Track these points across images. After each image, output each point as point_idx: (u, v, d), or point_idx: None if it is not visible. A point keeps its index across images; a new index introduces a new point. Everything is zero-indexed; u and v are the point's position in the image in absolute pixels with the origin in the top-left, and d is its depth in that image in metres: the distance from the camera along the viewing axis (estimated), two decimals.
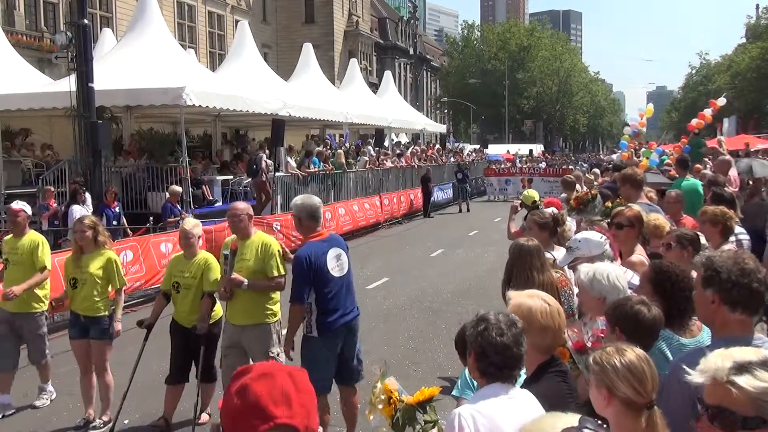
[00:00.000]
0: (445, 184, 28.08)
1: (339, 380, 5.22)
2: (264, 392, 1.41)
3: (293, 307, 5.03)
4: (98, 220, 6.39)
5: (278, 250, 5.54)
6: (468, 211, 25.93)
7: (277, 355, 5.45)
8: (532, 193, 9.24)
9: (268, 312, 5.51)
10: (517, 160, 36.46)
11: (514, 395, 2.43)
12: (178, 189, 13.59)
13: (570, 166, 32.18)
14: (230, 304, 5.51)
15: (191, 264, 5.78)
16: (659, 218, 5.36)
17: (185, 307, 5.80)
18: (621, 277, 3.36)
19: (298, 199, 5.30)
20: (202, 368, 5.79)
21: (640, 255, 4.62)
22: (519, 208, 7.97)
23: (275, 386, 1.42)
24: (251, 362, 5.41)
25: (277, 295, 5.61)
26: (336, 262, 5.07)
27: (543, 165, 34.45)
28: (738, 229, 5.52)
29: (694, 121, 15.59)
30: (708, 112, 15.52)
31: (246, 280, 5.30)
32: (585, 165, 31.26)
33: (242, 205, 5.62)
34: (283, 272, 5.50)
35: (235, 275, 5.30)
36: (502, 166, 33.46)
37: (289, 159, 17.55)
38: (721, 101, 16.41)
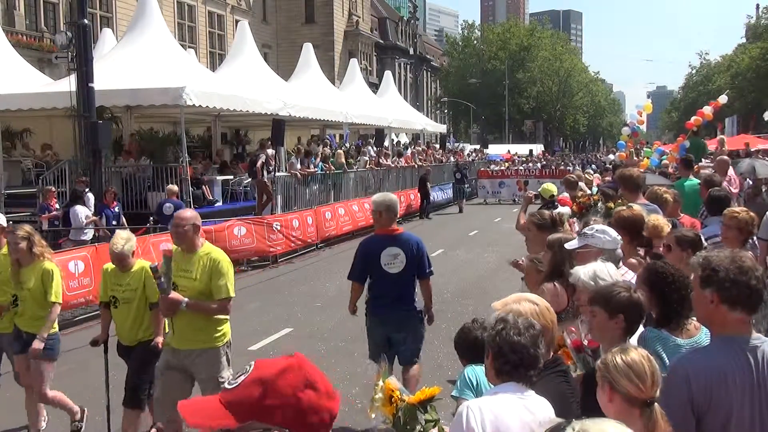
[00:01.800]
0: (445, 184, 28.06)
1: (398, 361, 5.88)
2: (321, 378, 1.49)
3: (352, 283, 5.83)
4: (33, 230, 5.76)
5: (229, 270, 4.84)
6: (460, 211, 25.80)
7: (226, 381, 4.97)
8: (551, 187, 9.21)
9: (217, 335, 4.86)
10: (516, 160, 36.31)
11: (526, 396, 2.44)
12: (176, 188, 13.56)
13: (568, 167, 31.80)
14: (172, 325, 4.90)
15: (129, 275, 5.23)
16: (658, 219, 5.34)
17: (127, 324, 5.24)
18: (619, 274, 3.39)
19: (376, 200, 5.77)
20: (127, 391, 5.22)
21: (636, 258, 4.62)
22: (533, 200, 7.99)
23: (317, 369, 1.51)
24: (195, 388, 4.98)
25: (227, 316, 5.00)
26: (391, 260, 5.54)
27: (539, 165, 33.87)
28: None
29: (693, 119, 15.61)
30: (708, 110, 15.52)
31: (185, 300, 4.64)
32: (593, 167, 29.25)
33: (188, 214, 4.96)
34: (232, 294, 4.81)
35: (173, 294, 4.63)
36: (498, 168, 32.63)
37: (293, 159, 17.58)
38: (723, 99, 16.36)
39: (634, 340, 3.04)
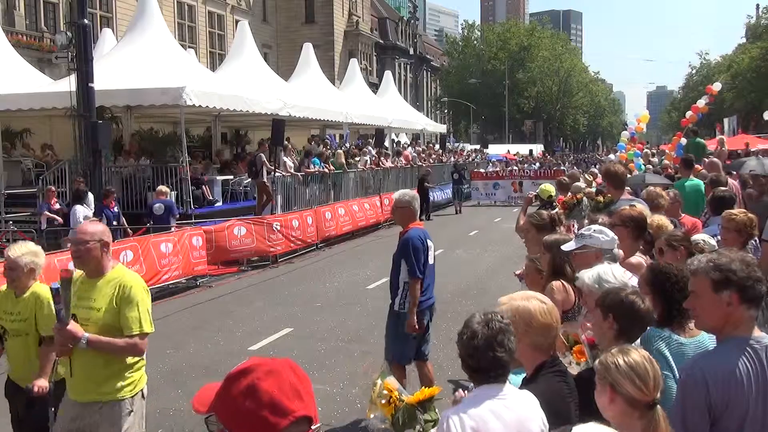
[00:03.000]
0: (445, 184, 28.00)
1: (415, 356, 5.90)
2: (276, 389, 1.42)
3: (414, 282, 5.59)
4: None
5: (145, 298, 3.78)
6: (459, 212, 25.42)
7: None
8: (549, 188, 9.24)
9: (125, 383, 3.76)
10: (517, 160, 36.06)
11: (504, 396, 2.43)
12: (165, 188, 13.50)
13: (562, 167, 30.87)
14: (71, 369, 3.77)
15: (20, 302, 4.14)
16: (662, 219, 5.35)
17: (20, 360, 4.17)
18: (626, 275, 3.38)
19: (406, 195, 5.88)
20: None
21: (638, 257, 4.60)
22: (534, 201, 8.02)
23: (284, 381, 1.44)
24: None
25: (141, 359, 3.88)
26: (430, 252, 5.77)
27: (535, 166, 32.98)
28: None
29: (688, 114, 15.72)
30: (702, 102, 15.63)
31: (85, 335, 3.58)
32: (597, 167, 27.50)
33: (93, 228, 3.83)
34: (148, 330, 3.74)
35: (72, 326, 3.56)
36: (493, 169, 31.25)
37: (286, 159, 17.56)
38: (717, 86, 16.55)
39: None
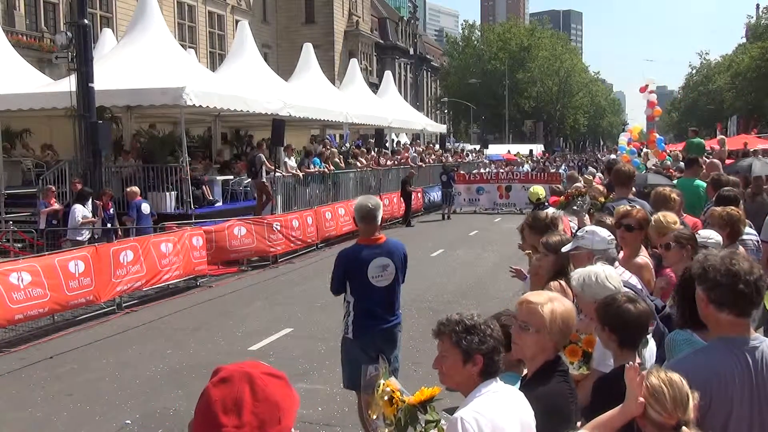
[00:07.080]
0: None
1: None
2: (217, 399, 1.39)
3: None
4: None
5: None
6: (448, 218, 23.43)
7: None
8: (538, 190, 9.21)
9: None
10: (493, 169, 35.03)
11: (497, 390, 2.44)
12: (137, 189, 13.37)
13: (559, 170, 29.26)
14: None
15: None
16: (667, 215, 5.35)
17: None
18: (612, 277, 3.30)
19: (360, 206, 5.06)
20: None
21: (644, 257, 4.60)
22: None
23: (229, 393, 1.39)
24: None
25: None
26: (380, 272, 5.00)
27: (524, 169, 30.24)
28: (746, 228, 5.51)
29: (655, 110, 17.01)
30: (645, 95, 16.86)
31: None
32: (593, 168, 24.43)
33: None
34: None
35: None
36: (477, 171, 29.12)
37: (287, 159, 17.54)
38: (650, 79, 17.89)
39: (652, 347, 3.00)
